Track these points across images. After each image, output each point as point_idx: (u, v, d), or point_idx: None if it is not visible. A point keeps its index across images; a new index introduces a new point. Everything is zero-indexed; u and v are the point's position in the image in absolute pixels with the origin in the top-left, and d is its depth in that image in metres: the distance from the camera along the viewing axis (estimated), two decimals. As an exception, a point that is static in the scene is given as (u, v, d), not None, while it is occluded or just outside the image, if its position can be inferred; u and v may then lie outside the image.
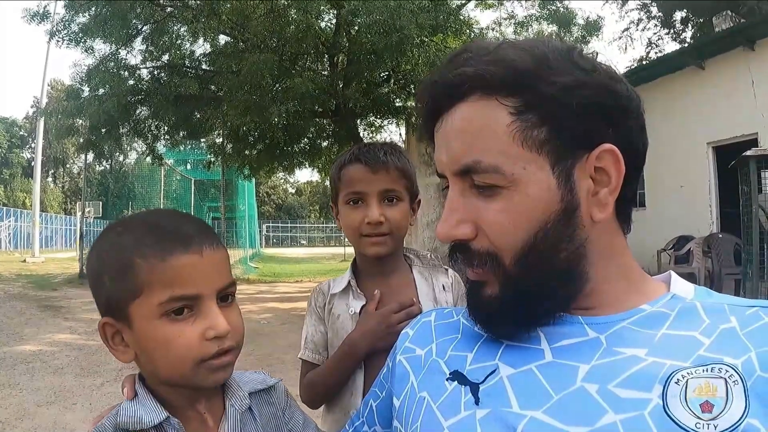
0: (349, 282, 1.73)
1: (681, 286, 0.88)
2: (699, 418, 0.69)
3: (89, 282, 1.04)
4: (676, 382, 0.71)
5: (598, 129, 0.81)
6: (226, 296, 1.02)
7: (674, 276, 0.91)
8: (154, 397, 1.01)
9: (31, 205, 38.01)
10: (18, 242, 48.76)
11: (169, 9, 12.86)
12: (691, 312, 0.81)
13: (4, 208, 52.74)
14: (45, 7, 14.22)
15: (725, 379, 0.70)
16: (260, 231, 49.88)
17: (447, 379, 0.90)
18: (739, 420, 0.67)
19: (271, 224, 69.40)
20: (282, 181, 77.60)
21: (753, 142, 10.78)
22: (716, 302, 0.82)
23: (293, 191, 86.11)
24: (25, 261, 27.92)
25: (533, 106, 0.79)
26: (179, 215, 1.07)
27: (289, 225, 72.45)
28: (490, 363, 0.86)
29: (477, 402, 0.83)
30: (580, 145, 0.81)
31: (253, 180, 24.08)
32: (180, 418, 1.00)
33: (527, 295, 0.82)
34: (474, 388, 0.85)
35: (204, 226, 1.04)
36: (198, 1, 12.55)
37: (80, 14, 13.55)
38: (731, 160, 9.44)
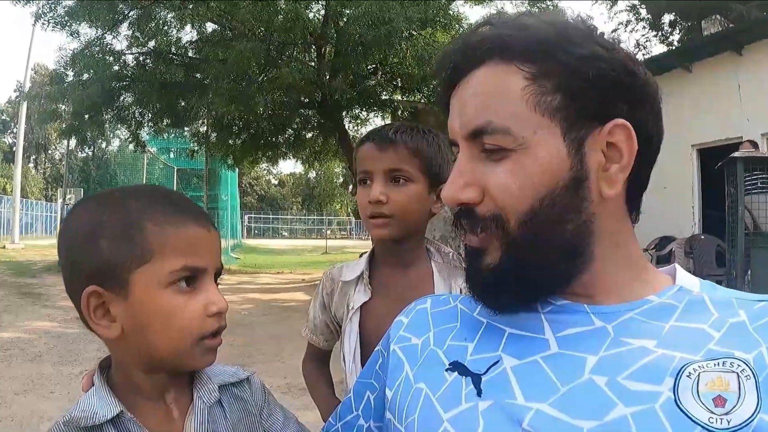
0: (362, 272, 1.68)
1: (687, 278, 0.86)
2: (712, 412, 0.67)
3: (68, 243, 0.97)
4: (687, 376, 0.70)
5: (613, 103, 0.80)
6: (216, 276, 1.02)
7: (679, 269, 0.89)
8: (113, 389, 0.97)
9: (11, 191, 37.60)
10: (-3, 228, 48.46)
11: (156, -5, 12.81)
12: (700, 305, 0.80)
13: (-16, 193, 52.34)
14: (32, -12, 14.15)
15: (737, 373, 0.69)
16: (242, 222, 49.77)
17: (446, 370, 0.87)
18: (752, 415, 0.66)
19: (253, 215, 69.04)
20: (265, 172, 77.60)
21: (737, 146, 10.84)
22: (724, 296, 0.81)
23: (276, 182, 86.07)
24: (4, 247, 27.69)
25: (550, 73, 0.79)
26: (182, 194, 1.07)
27: (271, 216, 72.12)
28: (492, 354, 0.84)
29: (479, 394, 0.81)
30: (594, 116, 0.80)
31: (236, 170, 24.06)
32: (144, 409, 0.97)
33: (528, 264, 0.80)
34: (476, 379, 0.83)
35: (204, 210, 1.04)
36: (186, -13, 12.50)
37: (67, -3, 13.49)
38: (715, 163, 9.50)
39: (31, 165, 75.98)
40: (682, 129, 12.41)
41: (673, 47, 19.99)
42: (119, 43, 14.06)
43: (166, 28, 13.46)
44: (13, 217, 29.78)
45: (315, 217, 71.18)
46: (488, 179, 0.81)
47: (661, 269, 0.92)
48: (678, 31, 22.76)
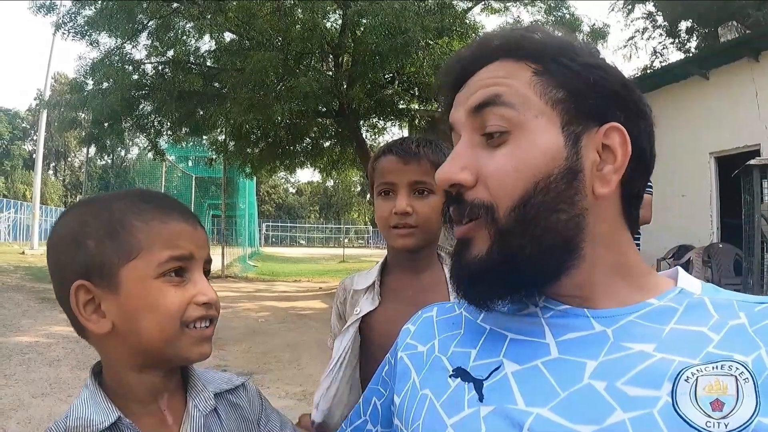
0: (374, 281, 1.73)
1: (688, 281, 0.87)
2: (709, 416, 0.68)
3: (55, 249, 1.00)
4: (685, 380, 0.70)
5: (610, 109, 0.84)
6: (206, 271, 1.04)
7: (681, 272, 0.90)
8: (108, 393, 0.98)
9: (31, 198, 37.92)
10: (17, 234, 48.78)
11: (175, 5, 12.86)
12: (700, 307, 0.80)
13: (4, 199, 52.77)
14: (52, -1, 14.29)
15: (736, 376, 0.69)
16: (260, 230, 49.91)
17: (450, 376, 0.89)
18: (750, 418, 0.66)
19: (270, 223, 69.56)
20: (283, 180, 77.88)
21: (755, 153, 10.77)
22: (725, 298, 0.82)
23: (294, 191, 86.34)
24: (23, 253, 27.90)
25: (555, 72, 0.84)
26: (164, 193, 1.12)
27: (288, 225, 72.44)
28: (494, 359, 0.85)
29: (481, 399, 0.82)
30: (592, 116, 0.84)
31: (254, 178, 24.09)
32: (138, 415, 0.98)
33: (516, 255, 0.80)
34: (478, 384, 0.84)
35: (190, 210, 1.08)
36: (204, -2, 12.58)
37: (86, 7, 13.61)
38: (733, 170, 9.43)
39: (51, 172, 76.69)
40: (699, 137, 12.34)
41: (691, 54, 19.84)
42: (138, 53, 14.16)
43: (184, 37, 13.53)
44: (33, 224, 30.03)
45: (332, 226, 71.17)
46: (485, 165, 0.83)
47: (663, 272, 0.94)
48: (695, 38, 22.58)
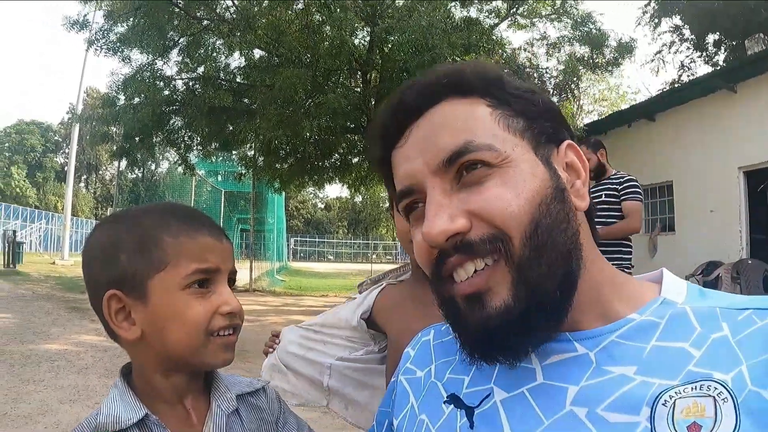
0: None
1: (672, 286, 0.86)
2: None
3: (89, 261, 1.06)
4: (663, 404, 0.70)
5: (560, 127, 0.87)
6: (231, 281, 1.10)
7: (666, 275, 0.89)
8: (136, 393, 1.04)
9: (62, 209, 38.45)
10: (48, 244, 49.37)
11: (205, 22, 13.06)
12: (682, 319, 0.79)
13: (36, 210, 53.46)
14: (85, 15, 14.54)
15: (714, 397, 0.69)
16: (288, 245, 50.03)
17: (444, 402, 0.90)
18: None
19: (299, 238, 69.89)
20: (311, 195, 77.78)
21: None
22: (708, 306, 0.80)
23: (322, 206, 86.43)
24: (54, 263, 28.28)
25: (506, 102, 0.83)
26: (194, 208, 1.16)
27: (317, 240, 72.69)
28: (485, 387, 0.86)
29: (471, 426, 0.83)
30: (550, 139, 0.85)
31: (283, 194, 24.16)
32: (164, 414, 1.03)
33: (539, 291, 0.75)
34: (469, 411, 0.85)
35: (216, 223, 1.14)
36: (234, 16, 12.73)
37: (119, 24, 13.81)
38: (762, 184, 9.34)
39: (82, 185, 77.81)
40: (727, 151, 12.18)
41: (718, 67, 19.65)
42: (169, 69, 14.40)
43: (214, 54, 13.76)
44: (64, 234, 30.50)
45: (361, 242, 71.17)
46: (473, 202, 0.78)
47: (646, 276, 0.93)
48: (723, 51, 22.34)
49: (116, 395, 1.03)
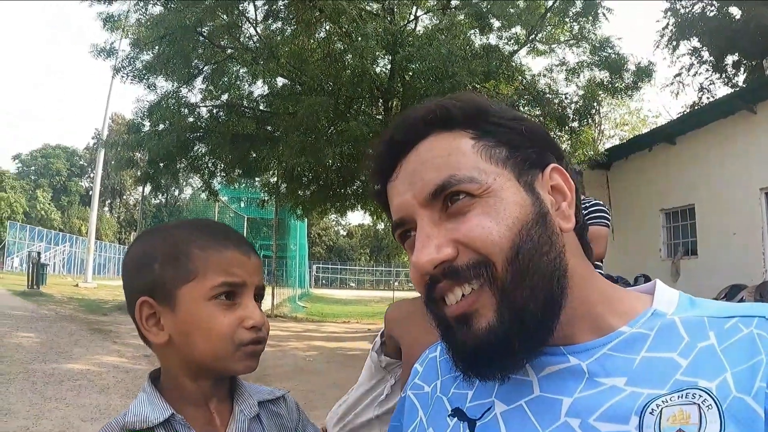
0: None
1: (664, 297, 0.89)
2: None
3: (127, 268, 1.14)
4: (650, 413, 0.73)
5: (544, 152, 0.90)
6: (258, 296, 1.15)
7: (659, 286, 0.92)
8: (163, 395, 1.10)
9: (86, 233, 38.87)
10: (72, 267, 49.89)
11: (229, 51, 13.24)
12: (670, 330, 0.82)
13: (61, 233, 54.05)
14: (112, 44, 14.80)
15: (699, 404, 0.71)
16: (310, 271, 50.03)
17: (448, 416, 0.93)
18: None
19: (321, 265, 69.91)
20: (334, 222, 77.85)
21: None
22: (696, 315, 0.83)
23: (344, 233, 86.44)
24: (77, 285, 28.61)
25: (490, 132, 0.87)
26: (226, 225, 1.24)
27: (339, 267, 72.74)
28: (487, 400, 0.89)
29: None
30: (534, 164, 0.87)
31: (305, 220, 24.23)
32: (190, 415, 1.09)
33: (523, 312, 0.79)
34: (471, 424, 0.88)
35: (246, 239, 1.21)
36: (257, 44, 12.92)
37: (145, 52, 14.04)
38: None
39: (106, 209, 78.63)
40: (748, 172, 12.12)
41: (738, 88, 19.53)
42: (194, 96, 14.54)
43: (238, 82, 13.96)
44: (87, 258, 30.75)
45: (383, 269, 70.93)
46: (458, 231, 0.82)
47: (640, 288, 0.96)
48: (743, 71, 22.18)
49: (144, 398, 1.10)
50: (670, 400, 0.73)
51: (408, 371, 1.30)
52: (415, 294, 2.04)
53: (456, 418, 0.91)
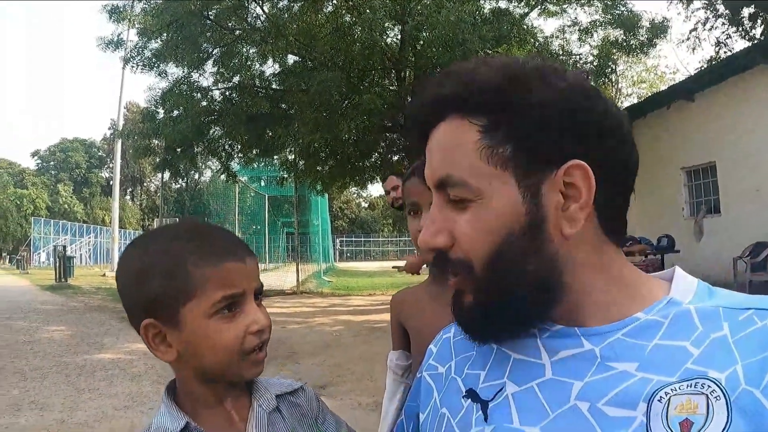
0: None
1: (682, 285, 0.88)
2: None
3: (124, 281, 1.12)
4: (658, 400, 0.73)
5: (566, 145, 0.82)
6: (257, 296, 1.14)
7: (678, 273, 0.91)
8: (179, 403, 1.11)
9: (110, 223, 39.29)
10: (98, 257, 50.56)
11: (237, 32, 13.25)
12: (685, 319, 0.81)
13: (85, 225, 54.69)
14: (119, 35, 14.87)
15: (707, 395, 0.71)
16: (334, 245, 50.18)
17: (462, 397, 0.94)
18: None
19: (344, 238, 70.40)
20: (355, 195, 77.81)
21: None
22: (712, 305, 0.82)
23: (366, 205, 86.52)
24: (104, 275, 28.98)
25: (500, 124, 0.82)
26: (218, 227, 1.21)
27: (362, 239, 73.11)
28: (499, 381, 0.89)
29: (486, 419, 0.87)
30: (548, 162, 0.82)
31: (326, 195, 24.26)
32: (207, 417, 1.10)
33: (494, 305, 0.84)
34: (484, 405, 0.88)
35: (240, 239, 1.19)
36: (265, 24, 12.91)
37: (152, 41, 14.10)
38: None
39: (128, 197, 79.49)
40: (771, 126, 11.94)
41: (755, 41, 19.17)
42: (205, 80, 14.72)
43: (249, 63, 14.00)
44: (112, 247, 31.17)
45: (406, 239, 70.60)
46: (455, 226, 0.85)
47: (660, 274, 0.94)
48: (760, 24, 21.75)
49: (163, 409, 1.11)
50: (679, 388, 0.73)
51: (419, 359, 1.30)
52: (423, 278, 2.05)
53: (470, 399, 0.92)
